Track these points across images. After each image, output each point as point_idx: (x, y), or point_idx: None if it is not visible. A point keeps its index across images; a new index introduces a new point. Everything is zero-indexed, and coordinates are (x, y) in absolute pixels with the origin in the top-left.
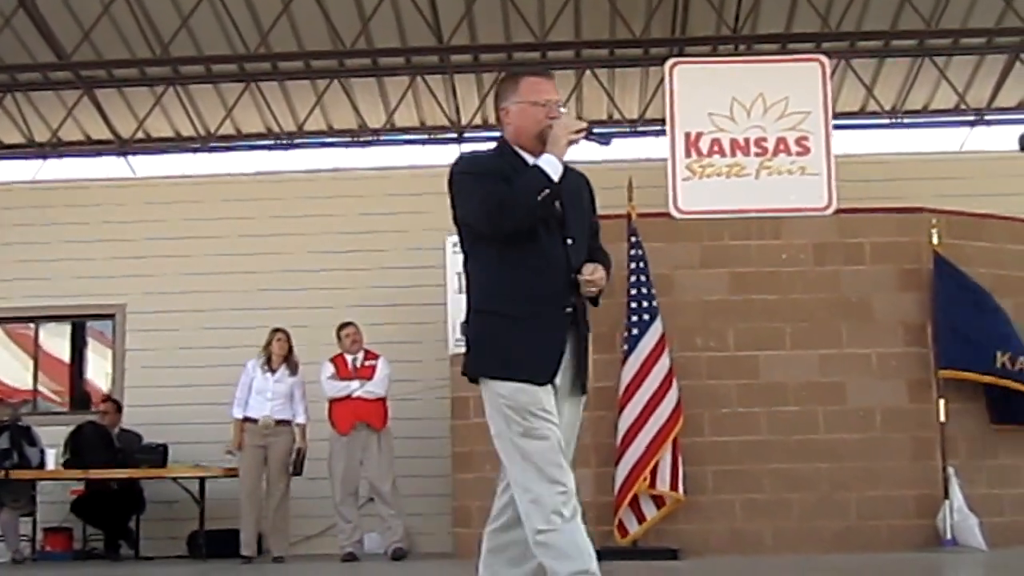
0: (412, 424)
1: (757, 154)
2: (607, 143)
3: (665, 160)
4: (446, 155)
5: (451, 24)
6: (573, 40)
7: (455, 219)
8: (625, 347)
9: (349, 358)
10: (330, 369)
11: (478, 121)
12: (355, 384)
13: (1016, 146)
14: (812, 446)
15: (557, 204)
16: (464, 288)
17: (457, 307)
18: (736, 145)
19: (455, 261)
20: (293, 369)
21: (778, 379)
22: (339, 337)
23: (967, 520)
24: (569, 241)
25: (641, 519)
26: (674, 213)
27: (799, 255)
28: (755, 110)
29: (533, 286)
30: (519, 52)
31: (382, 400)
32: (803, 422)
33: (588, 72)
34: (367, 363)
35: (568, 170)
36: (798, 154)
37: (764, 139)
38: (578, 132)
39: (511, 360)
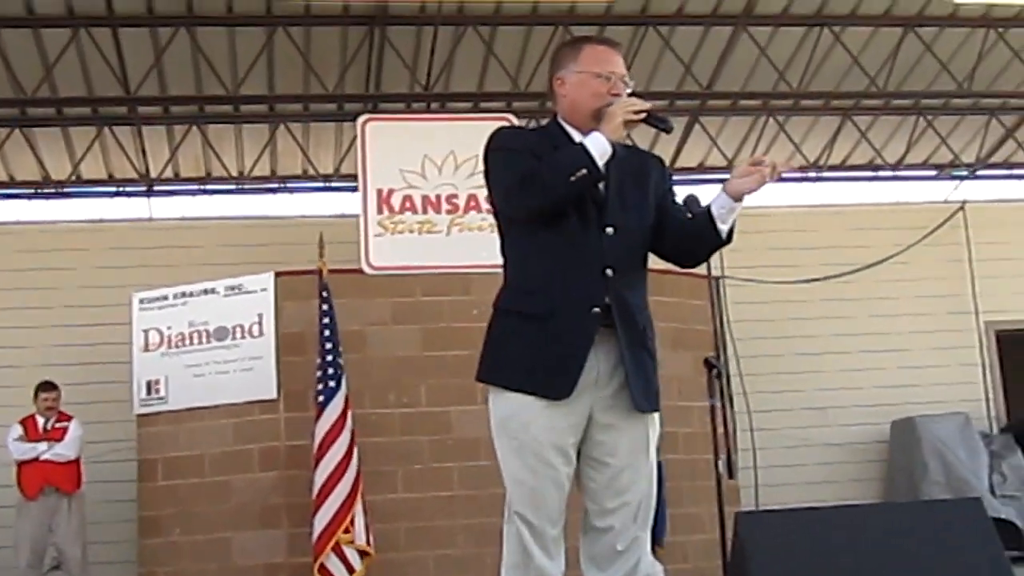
0: (102, 487)
1: (448, 211)
2: (669, 129)
3: (357, 216)
4: (134, 208)
5: (139, 74)
6: (266, 94)
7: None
8: (320, 400)
9: (40, 420)
10: (18, 431)
11: (168, 174)
12: (43, 446)
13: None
14: (503, 500)
15: (600, 188)
16: None
17: (143, 366)
18: (428, 202)
19: (141, 318)
20: None
21: (470, 434)
22: (36, 398)
23: (653, 568)
24: (609, 230)
25: (351, 570)
26: (366, 269)
27: (489, 310)
28: (447, 167)
29: (553, 280)
30: (210, 104)
31: (73, 463)
32: (495, 477)
33: (282, 126)
34: (58, 424)
35: (629, 151)
36: (488, 211)
37: (455, 196)
38: (638, 113)
39: (513, 365)
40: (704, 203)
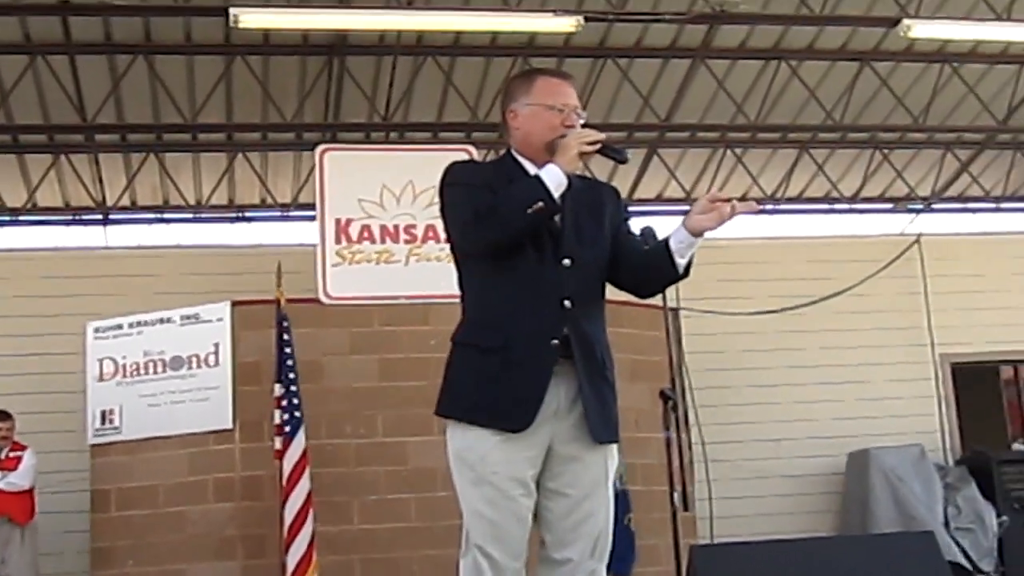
0: (55, 518)
1: (406, 241)
2: (624, 160)
3: (315, 245)
4: (91, 237)
5: (96, 102)
6: (225, 123)
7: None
8: (287, 430)
9: None
10: None
11: (125, 202)
12: None
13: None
14: (459, 531)
15: (556, 220)
16: None
17: (97, 396)
18: (386, 232)
19: (96, 347)
20: None
21: (427, 465)
22: None
23: None
24: (566, 262)
25: None
26: (323, 299)
27: (447, 341)
28: (405, 197)
29: (511, 312)
30: (168, 133)
31: (27, 493)
32: (452, 508)
33: (240, 155)
34: (12, 454)
35: (585, 182)
36: (446, 241)
37: (414, 226)
38: (592, 144)
39: (472, 399)
40: (661, 235)
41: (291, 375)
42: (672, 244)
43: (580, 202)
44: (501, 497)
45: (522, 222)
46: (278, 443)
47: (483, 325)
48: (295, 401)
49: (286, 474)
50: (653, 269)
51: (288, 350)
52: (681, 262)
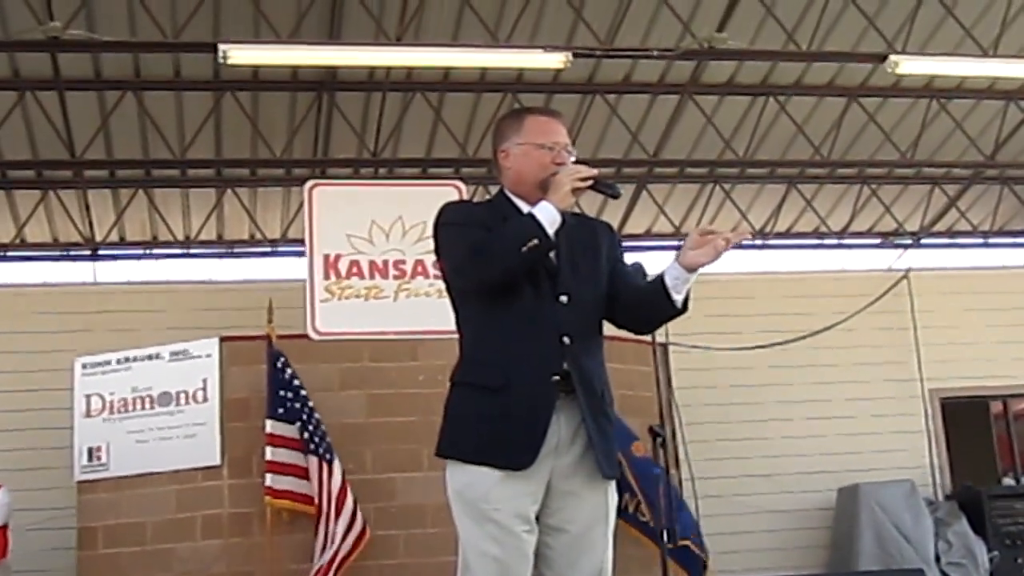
0: (40, 556)
1: (395, 276)
2: (617, 195)
3: (304, 281)
4: (79, 272)
5: (85, 138)
6: (214, 158)
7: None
8: (326, 457)
9: None
10: None
11: (114, 238)
12: None
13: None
14: (451, 568)
15: (552, 257)
16: None
17: (84, 432)
18: (375, 267)
19: (84, 383)
20: None
21: (416, 501)
22: None
23: None
24: (563, 299)
25: None
26: (312, 335)
27: (436, 376)
28: (394, 233)
29: (510, 351)
30: (157, 168)
31: (1, 530)
32: (442, 544)
33: (229, 191)
34: None
35: (579, 219)
36: (436, 277)
37: (403, 262)
38: (585, 180)
39: (473, 438)
40: (650, 272)
41: (297, 404)
42: (668, 280)
43: (575, 239)
44: (506, 535)
45: (517, 259)
46: (269, 480)
47: (482, 364)
48: (320, 426)
49: (332, 496)
50: (650, 306)
51: (296, 382)
52: (678, 298)
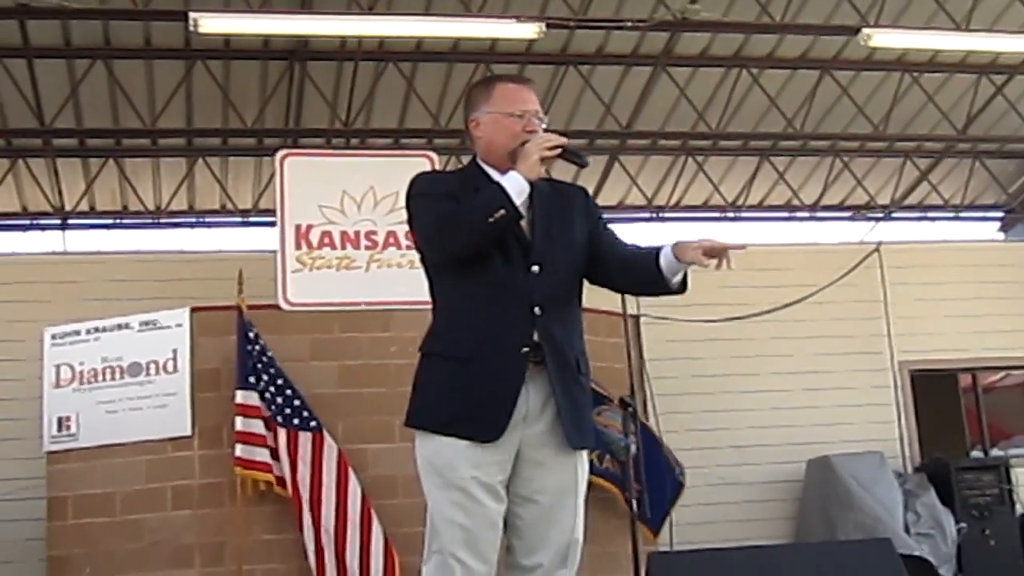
0: (10, 526)
1: (367, 247)
2: (584, 164)
3: (276, 251)
4: (48, 242)
5: (55, 106)
6: (185, 128)
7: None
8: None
9: None
10: None
11: (84, 207)
12: None
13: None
14: (421, 538)
15: (525, 226)
16: None
17: (54, 402)
18: (347, 238)
19: (52, 353)
20: None
21: (387, 472)
22: None
23: None
24: (535, 268)
25: None
26: (283, 305)
27: (408, 348)
28: (366, 204)
29: (480, 322)
30: (127, 138)
31: None
32: (413, 515)
33: (200, 160)
34: None
35: (553, 185)
36: (408, 247)
37: (374, 232)
38: (553, 149)
39: (442, 410)
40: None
41: (271, 371)
42: (663, 264)
43: (549, 206)
44: (472, 502)
45: (485, 230)
46: (239, 450)
47: (451, 335)
48: (291, 395)
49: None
50: (648, 281)
51: (269, 354)
52: (675, 280)
